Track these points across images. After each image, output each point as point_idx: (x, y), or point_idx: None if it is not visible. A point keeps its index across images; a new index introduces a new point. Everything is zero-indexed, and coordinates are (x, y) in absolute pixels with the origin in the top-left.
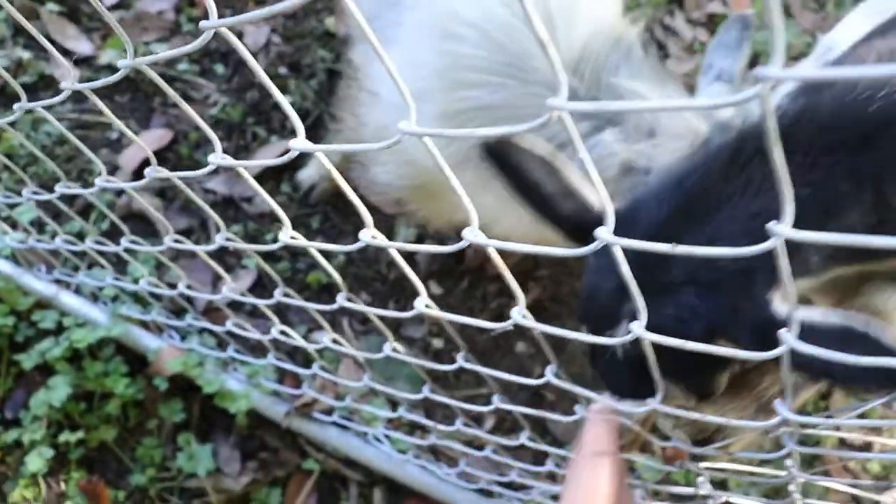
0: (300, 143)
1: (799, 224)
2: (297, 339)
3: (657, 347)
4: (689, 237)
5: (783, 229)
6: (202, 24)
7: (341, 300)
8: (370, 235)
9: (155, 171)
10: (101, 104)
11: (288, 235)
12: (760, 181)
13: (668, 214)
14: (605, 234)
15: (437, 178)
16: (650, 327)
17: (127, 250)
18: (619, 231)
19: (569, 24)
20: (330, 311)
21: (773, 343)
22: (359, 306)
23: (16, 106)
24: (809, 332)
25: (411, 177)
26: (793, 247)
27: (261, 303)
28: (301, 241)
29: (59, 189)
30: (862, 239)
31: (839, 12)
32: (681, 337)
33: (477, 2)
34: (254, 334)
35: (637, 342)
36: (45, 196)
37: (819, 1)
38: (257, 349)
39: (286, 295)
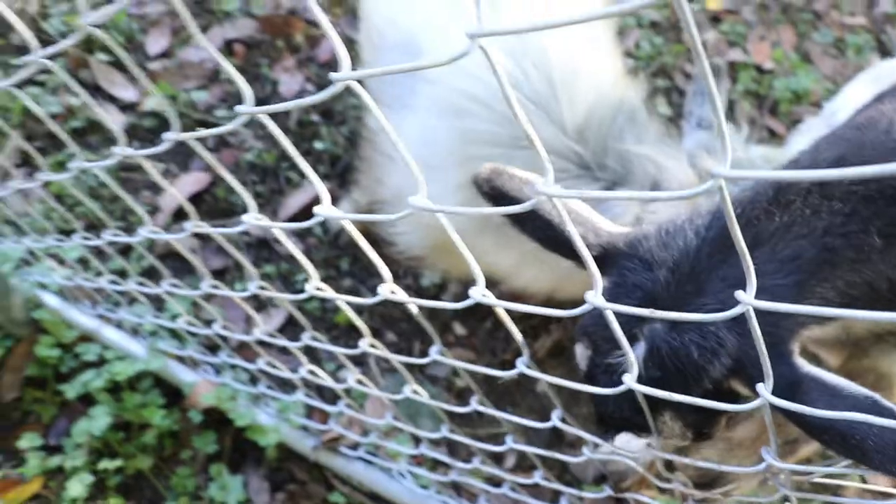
0: (325, 209)
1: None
2: (324, 379)
3: (665, 379)
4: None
5: (747, 298)
6: (243, 110)
7: (364, 345)
8: (389, 290)
9: (194, 226)
10: (149, 167)
11: (314, 286)
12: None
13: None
14: (593, 298)
15: (450, 239)
16: (669, 349)
17: (167, 292)
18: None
19: (572, 91)
20: (355, 354)
21: (790, 395)
22: (381, 352)
23: (72, 165)
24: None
25: (430, 239)
26: (804, 295)
27: (290, 345)
28: (328, 292)
29: (106, 236)
30: (827, 311)
31: (859, 59)
32: (698, 366)
33: (485, 81)
34: (284, 373)
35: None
36: (93, 242)
37: (839, 47)
38: (287, 385)
39: (314, 338)
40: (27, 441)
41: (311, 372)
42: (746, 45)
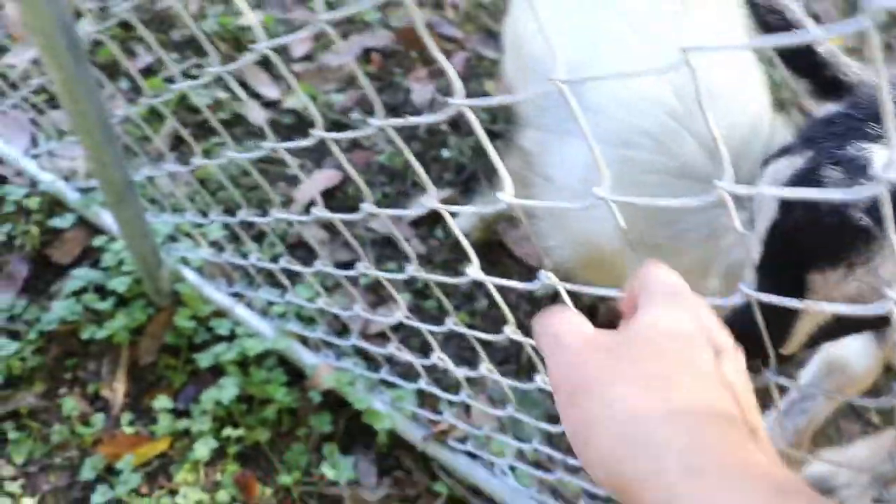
0: (433, 202)
1: None
2: (448, 367)
3: None
4: None
5: None
6: (450, 100)
7: (509, 332)
8: (546, 276)
9: (319, 211)
10: (291, 160)
11: (476, 272)
12: None
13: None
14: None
15: (607, 255)
16: None
17: (289, 273)
18: None
19: (729, 123)
20: (494, 339)
21: None
22: (526, 339)
23: (228, 154)
24: None
25: (584, 255)
26: None
27: (433, 329)
28: (483, 276)
29: (241, 215)
30: None
31: None
32: None
33: (651, 114)
34: (412, 358)
35: None
36: (229, 219)
37: None
38: (405, 375)
39: (455, 324)
40: (159, 403)
41: (441, 359)
42: None
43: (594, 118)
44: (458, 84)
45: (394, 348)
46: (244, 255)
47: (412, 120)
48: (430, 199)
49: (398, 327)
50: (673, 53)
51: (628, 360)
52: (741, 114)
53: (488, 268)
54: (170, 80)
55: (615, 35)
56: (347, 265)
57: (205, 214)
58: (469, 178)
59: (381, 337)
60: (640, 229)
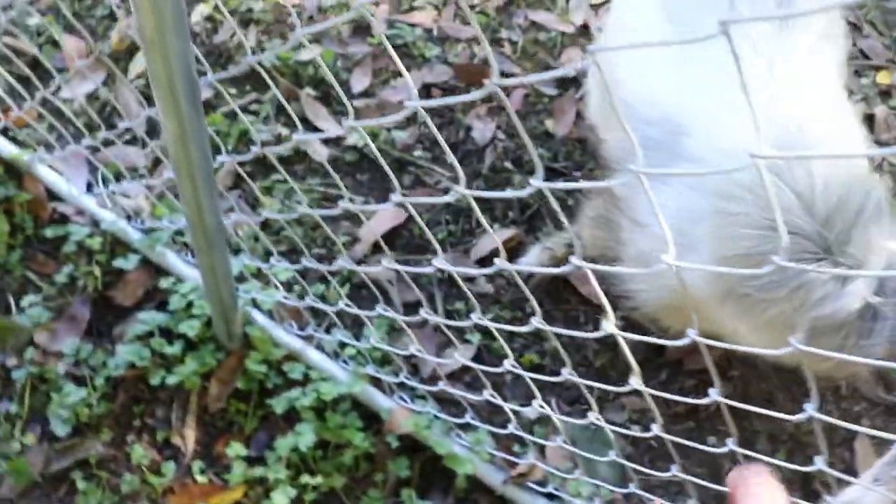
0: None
1: None
2: (523, 411)
3: None
4: None
5: None
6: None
7: (566, 373)
8: (612, 326)
9: (387, 262)
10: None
11: (612, 326)
12: None
13: None
14: None
15: (693, 302)
16: None
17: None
18: None
19: (827, 178)
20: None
21: None
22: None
23: (300, 209)
24: None
25: (669, 300)
26: None
27: (489, 369)
28: (618, 332)
29: (304, 262)
30: None
31: None
32: None
33: (750, 169)
34: (505, 403)
35: None
36: (293, 267)
37: None
38: (480, 416)
39: (513, 365)
40: (232, 450)
41: (493, 395)
42: None
43: (691, 167)
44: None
45: (488, 395)
46: (306, 296)
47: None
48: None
49: (467, 369)
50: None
51: None
52: (839, 168)
53: (553, 307)
54: (229, 116)
55: (713, 83)
56: (417, 305)
57: (269, 255)
58: (533, 216)
59: (454, 377)
60: (730, 281)
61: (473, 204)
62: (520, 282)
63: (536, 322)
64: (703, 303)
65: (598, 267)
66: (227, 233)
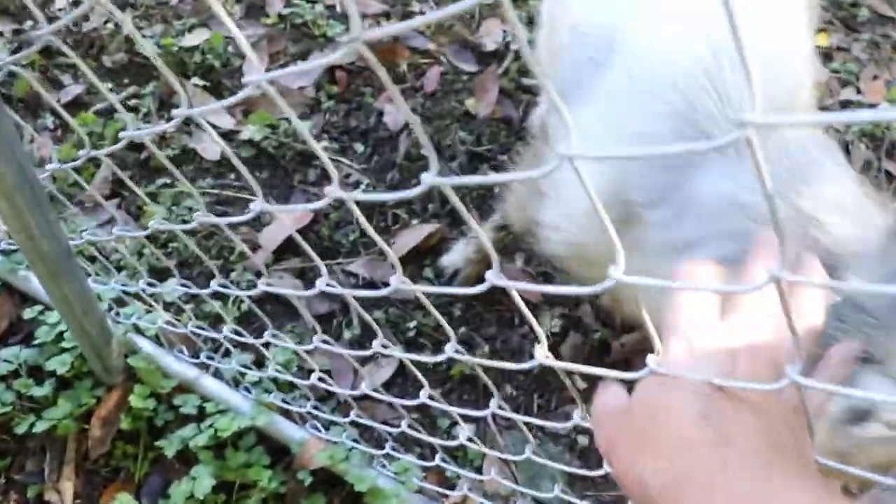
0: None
1: None
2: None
3: None
4: None
5: None
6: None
7: (493, 406)
8: (544, 355)
9: (263, 285)
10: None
11: (453, 350)
12: None
13: None
14: None
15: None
16: None
17: (265, 344)
18: None
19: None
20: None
21: None
22: (510, 414)
23: (199, 219)
24: None
25: (578, 242)
26: None
27: (405, 403)
28: (466, 357)
29: (214, 285)
30: None
31: None
32: None
33: (682, 67)
34: (392, 429)
35: None
36: (193, 290)
37: None
38: (404, 444)
39: (430, 397)
40: (119, 503)
41: (413, 427)
42: (859, 84)
43: (627, 64)
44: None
45: (405, 425)
46: (202, 319)
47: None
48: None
49: (388, 386)
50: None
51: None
52: (779, 85)
53: (484, 308)
54: (104, 114)
55: None
56: (329, 316)
57: (159, 272)
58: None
59: (372, 399)
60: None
61: (357, 211)
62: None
63: (450, 351)
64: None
65: (524, 286)
66: (74, 257)
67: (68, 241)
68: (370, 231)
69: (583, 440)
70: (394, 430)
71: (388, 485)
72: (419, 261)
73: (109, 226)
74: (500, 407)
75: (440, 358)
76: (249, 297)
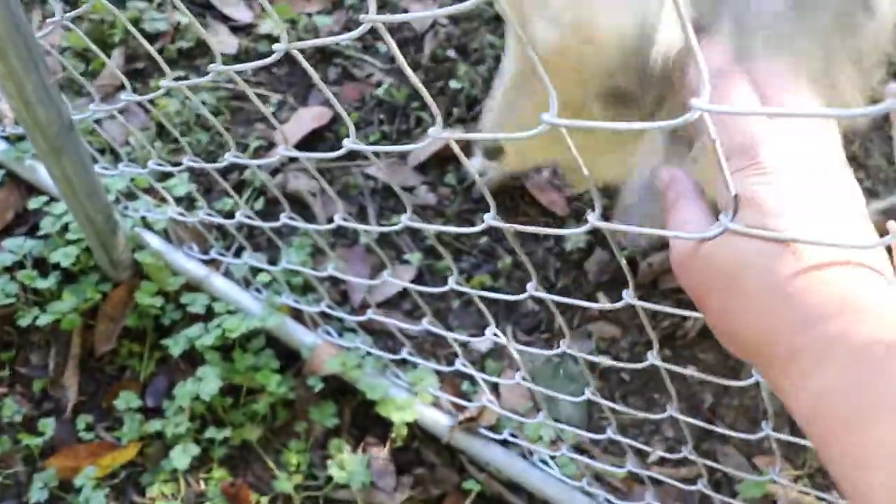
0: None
1: None
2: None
3: None
4: None
5: None
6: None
7: (531, 288)
8: (598, 218)
9: (286, 150)
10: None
11: (493, 218)
12: None
13: None
14: None
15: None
16: None
17: (277, 231)
18: None
19: None
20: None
21: None
22: (549, 296)
23: (162, 83)
24: None
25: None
26: None
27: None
28: (501, 223)
29: (229, 157)
30: None
31: None
32: None
33: None
34: (450, 333)
35: None
36: (204, 166)
37: None
38: (420, 350)
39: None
40: (124, 401)
41: (433, 322)
42: None
43: None
44: None
45: (428, 321)
46: (215, 213)
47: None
48: (438, 130)
49: (405, 294)
50: None
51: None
52: None
53: (508, 218)
54: (117, 2)
55: None
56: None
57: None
58: (482, 113)
59: (389, 305)
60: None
61: (419, 85)
62: (476, 177)
63: (489, 220)
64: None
65: (521, 227)
66: (77, 134)
67: (70, 114)
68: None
69: (604, 359)
70: (415, 328)
71: (401, 395)
72: (442, 168)
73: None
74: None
75: (477, 229)
76: (264, 196)
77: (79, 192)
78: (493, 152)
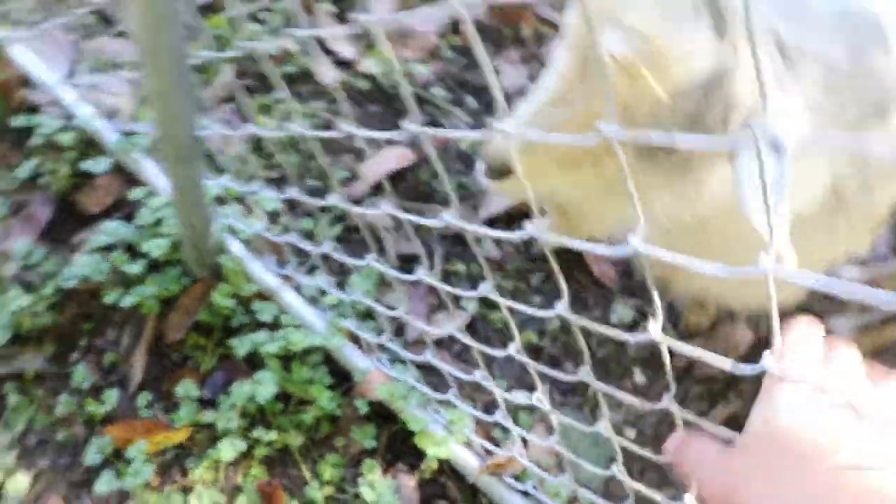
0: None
1: None
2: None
3: None
4: None
5: None
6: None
7: (583, 374)
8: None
9: (387, 206)
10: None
11: (564, 308)
12: None
13: None
14: None
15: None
16: None
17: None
18: None
19: None
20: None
21: None
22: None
23: (293, 128)
24: None
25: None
26: None
27: (489, 351)
28: (571, 315)
29: (331, 199)
30: None
31: None
32: None
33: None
34: (497, 388)
35: None
36: (279, 195)
37: None
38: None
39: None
40: (183, 388)
41: (486, 377)
42: None
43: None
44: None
45: (479, 376)
46: (290, 231)
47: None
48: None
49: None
50: None
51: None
52: None
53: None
54: (235, 21)
55: None
56: (412, 259)
57: (257, 180)
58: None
59: (441, 345)
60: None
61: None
62: (550, 257)
63: (562, 310)
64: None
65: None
66: (203, 146)
67: (197, 130)
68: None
69: (629, 432)
70: (466, 377)
71: (438, 431)
72: (510, 222)
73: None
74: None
75: (549, 314)
76: (342, 222)
77: (187, 198)
78: (499, 172)
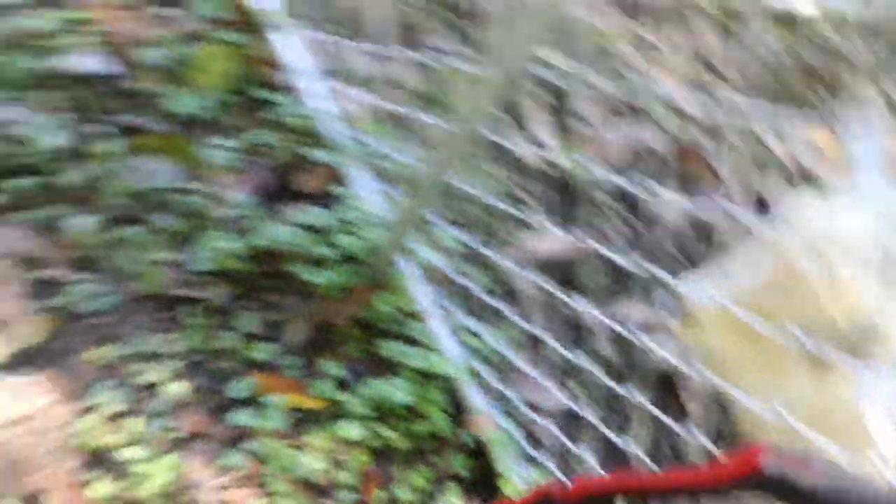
0: None
1: None
2: None
3: None
4: None
5: None
6: None
7: None
8: None
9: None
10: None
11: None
12: None
13: None
14: None
15: None
16: None
17: (496, 311)
18: None
19: None
20: None
21: None
22: None
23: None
24: None
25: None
26: None
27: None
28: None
29: (480, 246)
30: None
31: None
32: None
33: None
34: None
35: None
36: (460, 234)
37: None
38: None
39: None
40: (329, 367)
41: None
42: None
43: None
44: None
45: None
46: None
47: None
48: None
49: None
50: None
51: None
52: None
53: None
54: None
55: None
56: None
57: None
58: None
59: (545, 412)
60: None
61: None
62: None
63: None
64: None
65: None
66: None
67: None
68: None
69: None
70: (576, 451)
71: (521, 483)
72: None
73: None
74: None
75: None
76: (502, 283)
77: (407, 222)
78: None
